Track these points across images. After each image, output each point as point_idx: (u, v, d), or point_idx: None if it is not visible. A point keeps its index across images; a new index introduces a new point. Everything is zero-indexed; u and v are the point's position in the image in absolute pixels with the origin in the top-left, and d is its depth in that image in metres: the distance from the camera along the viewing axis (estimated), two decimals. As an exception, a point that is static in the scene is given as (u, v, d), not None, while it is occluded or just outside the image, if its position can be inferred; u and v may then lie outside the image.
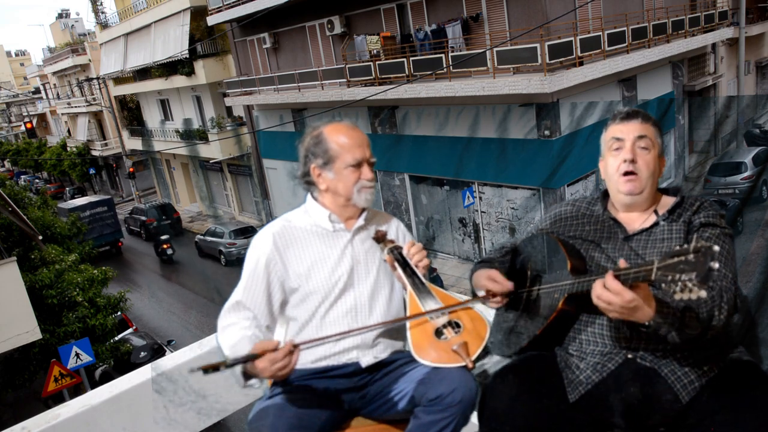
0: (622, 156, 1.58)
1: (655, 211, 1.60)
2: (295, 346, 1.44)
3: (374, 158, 1.73)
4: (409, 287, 1.65)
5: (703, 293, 1.09)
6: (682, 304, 1.31)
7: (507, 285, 1.62)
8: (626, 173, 1.57)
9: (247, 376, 1.46)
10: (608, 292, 1.28)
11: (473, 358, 1.50)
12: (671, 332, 1.34)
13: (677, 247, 1.17)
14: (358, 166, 1.68)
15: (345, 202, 1.72)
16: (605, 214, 1.67)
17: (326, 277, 1.68)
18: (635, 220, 1.61)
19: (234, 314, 1.64)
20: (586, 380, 1.51)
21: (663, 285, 1.15)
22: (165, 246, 19.21)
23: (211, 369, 1.34)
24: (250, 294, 1.65)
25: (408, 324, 1.62)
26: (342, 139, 1.69)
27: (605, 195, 1.71)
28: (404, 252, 1.70)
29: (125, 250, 22.30)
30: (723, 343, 1.47)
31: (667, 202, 1.62)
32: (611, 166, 1.62)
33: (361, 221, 1.76)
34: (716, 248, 1.09)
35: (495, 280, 1.63)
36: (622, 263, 1.31)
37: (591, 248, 1.61)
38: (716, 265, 1.07)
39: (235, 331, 1.58)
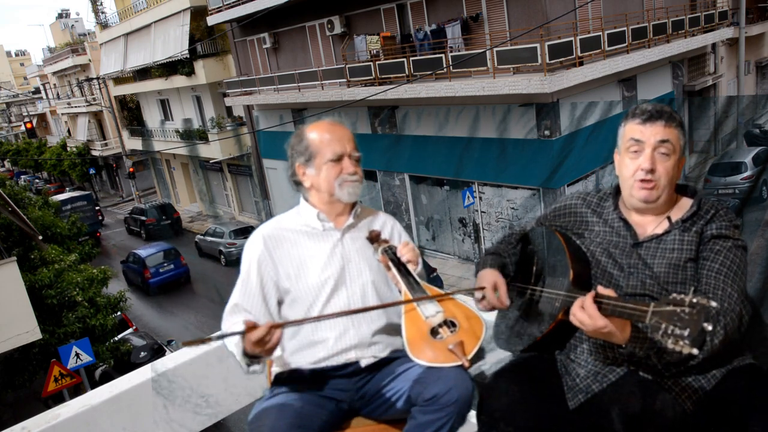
0: (640, 163, 1.47)
1: (669, 218, 1.51)
2: (277, 326, 1.46)
3: (358, 153, 1.73)
4: (403, 288, 1.64)
5: (695, 351, 1.07)
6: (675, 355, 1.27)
7: (505, 305, 1.62)
8: (643, 180, 1.48)
9: (249, 362, 1.50)
10: (583, 314, 1.27)
11: (469, 357, 1.49)
12: (650, 356, 1.33)
13: (684, 263, 1.10)
14: (338, 160, 1.69)
15: (329, 198, 1.72)
16: (615, 213, 1.58)
17: (315, 277, 1.68)
18: (647, 224, 1.53)
19: (234, 317, 1.65)
20: (585, 389, 1.49)
21: (656, 333, 1.12)
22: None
23: (198, 342, 1.36)
24: (246, 296, 1.66)
25: (403, 325, 1.61)
26: (321, 135, 1.70)
27: (617, 191, 1.61)
28: (397, 252, 1.69)
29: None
30: (727, 349, 1.43)
31: (684, 204, 1.54)
32: (627, 168, 1.51)
33: (351, 219, 1.75)
34: (713, 305, 1.06)
35: (497, 288, 1.61)
36: (600, 289, 1.29)
37: (598, 252, 1.56)
38: (710, 327, 1.05)
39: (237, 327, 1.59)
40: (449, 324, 1.57)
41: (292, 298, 1.68)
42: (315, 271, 1.68)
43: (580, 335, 1.55)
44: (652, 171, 1.46)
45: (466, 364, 1.48)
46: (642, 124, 1.48)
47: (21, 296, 7.40)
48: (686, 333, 1.07)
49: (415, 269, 1.68)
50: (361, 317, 1.69)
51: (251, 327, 1.43)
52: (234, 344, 1.52)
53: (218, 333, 1.43)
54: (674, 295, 1.12)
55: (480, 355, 1.54)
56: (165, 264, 16.83)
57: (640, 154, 1.48)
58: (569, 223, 1.68)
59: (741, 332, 1.40)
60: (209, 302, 15.27)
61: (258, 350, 1.44)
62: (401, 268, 1.66)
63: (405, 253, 1.67)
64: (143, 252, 17.02)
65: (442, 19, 12.24)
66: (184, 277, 17.28)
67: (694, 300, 1.08)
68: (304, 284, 1.67)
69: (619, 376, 1.47)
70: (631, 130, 1.50)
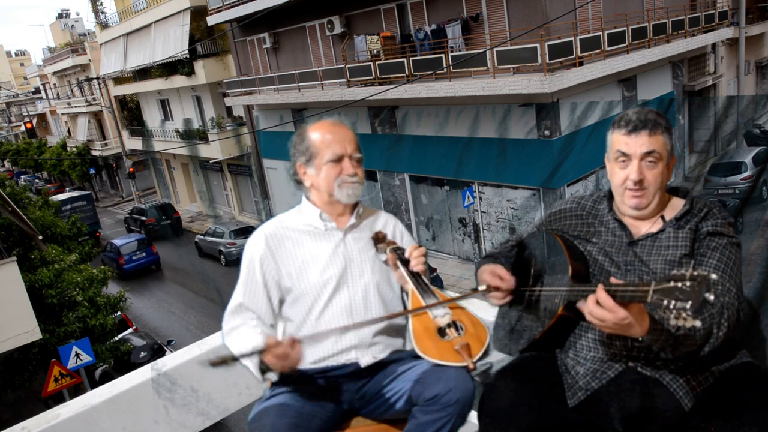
0: (628, 174, 1.50)
1: (662, 217, 1.54)
2: (296, 341, 1.46)
3: (359, 154, 1.72)
4: (411, 286, 1.65)
5: (698, 323, 1.07)
6: (679, 331, 1.28)
7: (509, 281, 1.62)
8: (632, 189, 1.51)
9: (263, 370, 1.51)
10: (601, 309, 1.26)
11: (475, 359, 1.50)
12: (665, 349, 1.33)
13: (680, 259, 1.12)
14: (338, 161, 1.68)
15: (329, 199, 1.72)
16: (610, 214, 1.61)
17: (317, 276, 1.67)
18: (642, 224, 1.57)
19: (238, 317, 1.65)
20: (585, 386, 1.50)
21: (658, 310, 1.12)
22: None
23: (219, 363, 1.38)
24: (250, 295, 1.66)
25: (410, 322, 1.62)
26: (323, 135, 1.70)
27: (611, 194, 1.64)
28: (406, 254, 1.70)
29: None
30: (726, 347, 1.44)
31: (676, 204, 1.56)
32: (617, 176, 1.54)
33: (353, 219, 1.76)
34: (714, 277, 1.07)
35: (498, 276, 1.62)
36: (613, 280, 1.28)
37: (595, 251, 1.58)
38: (711, 297, 1.05)
39: (244, 330, 1.60)
40: (456, 326, 1.59)
41: (294, 297, 1.68)
42: (317, 271, 1.68)
43: (580, 332, 1.56)
44: (640, 182, 1.49)
45: (472, 366, 1.48)
46: (627, 135, 1.50)
47: (21, 296, 7.40)
48: (688, 305, 1.07)
49: (425, 272, 1.69)
50: (360, 317, 1.68)
51: (273, 344, 1.44)
52: (248, 357, 1.53)
53: (240, 352, 1.45)
54: (674, 271, 1.13)
55: (483, 359, 1.55)
56: (138, 252, 18.89)
57: (627, 164, 1.51)
58: (567, 226, 1.71)
59: (739, 328, 1.40)
60: (209, 302, 15.27)
61: (284, 367, 1.46)
62: (409, 267, 1.67)
63: (415, 257, 1.68)
64: (119, 242, 19.17)
65: (442, 19, 12.24)
66: (155, 264, 19.25)
67: (695, 273, 1.09)
68: (306, 283, 1.67)
69: (618, 373, 1.47)
70: (617, 142, 1.53)
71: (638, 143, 1.48)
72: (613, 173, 1.55)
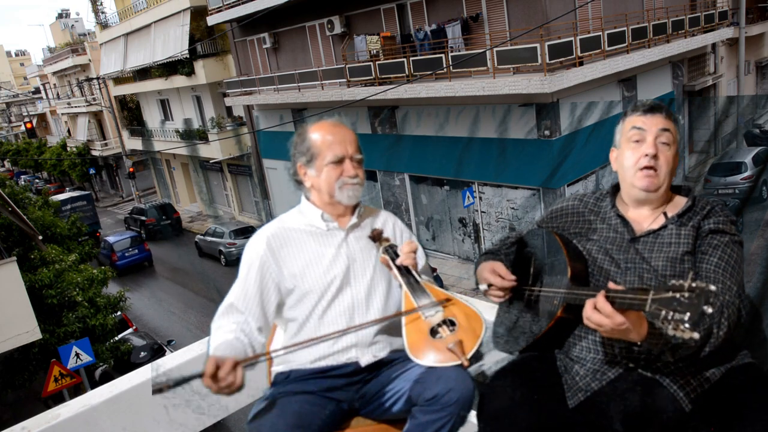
0: (643, 150, 1.50)
1: (665, 213, 1.54)
2: (237, 364, 1.40)
3: (360, 155, 1.72)
4: (404, 286, 1.64)
5: (696, 335, 1.05)
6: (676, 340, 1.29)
7: (510, 279, 1.61)
8: (645, 167, 1.50)
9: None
10: (599, 314, 1.25)
11: (468, 356, 1.48)
12: (665, 352, 1.33)
13: (681, 256, 1.11)
14: (339, 162, 1.68)
15: (329, 200, 1.72)
16: (613, 211, 1.61)
17: (321, 276, 1.67)
18: (644, 220, 1.56)
19: (225, 317, 1.63)
20: (585, 387, 1.50)
21: (656, 320, 1.11)
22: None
23: (162, 389, 1.33)
24: (242, 297, 1.65)
25: (403, 324, 1.61)
26: (323, 136, 1.69)
27: (615, 190, 1.65)
28: (398, 251, 1.69)
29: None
30: (726, 348, 1.43)
31: (679, 202, 1.56)
32: (629, 158, 1.53)
33: (354, 219, 1.75)
34: (713, 288, 1.06)
35: (498, 274, 1.62)
36: (611, 285, 1.28)
37: (595, 249, 1.57)
38: (710, 310, 1.04)
39: (219, 335, 1.57)
40: (448, 323, 1.57)
41: (298, 297, 1.68)
42: (321, 271, 1.68)
43: (580, 334, 1.56)
44: (655, 157, 1.49)
45: (465, 363, 1.47)
46: (643, 114, 1.54)
47: (21, 296, 7.40)
48: (686, 317, 1.06)
49: (418, 270, 1.68)
50: (362, 316, 1.69)
51: (215, 367, 1.36)
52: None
53: (178, 377, 1.35)
54: (673, 281, 1.12)
55: (480, 353, 1.53)
56: (130, 249, 19.74)
57: (641, 144, 1.52)
58: (567, 223, 1.70)
59: (740, 327, 1.40)
60: (209, 302, 15.27)
61: (224, 392, 1.38)
62: (402, 267, 1.66)
63: (404, 252, 1.67)
64: (112, 239, 20.01)
65: (442, 19, 12.24)
66: (147, 261, 20.00)
67: (693, 284, 1.08)
68: (310, 284, 1.67)
69: (618, 374, 1.47)
70: (632, 121, 1.56)
71: (654, 121, 1.52)
72: (624, 157, 1.56)
